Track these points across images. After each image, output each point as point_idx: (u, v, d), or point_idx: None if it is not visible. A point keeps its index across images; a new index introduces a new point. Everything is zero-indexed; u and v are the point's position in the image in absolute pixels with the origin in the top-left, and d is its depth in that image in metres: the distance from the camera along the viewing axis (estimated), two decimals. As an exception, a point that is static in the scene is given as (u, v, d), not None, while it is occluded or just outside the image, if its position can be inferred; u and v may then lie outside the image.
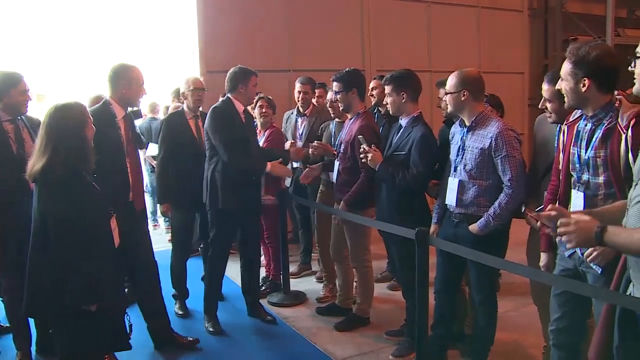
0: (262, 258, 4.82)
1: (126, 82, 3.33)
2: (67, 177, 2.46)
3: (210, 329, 3.96)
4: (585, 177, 2.31)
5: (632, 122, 2.11)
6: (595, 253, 2.21)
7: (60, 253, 2.45)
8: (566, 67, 2.23)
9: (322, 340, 3.82)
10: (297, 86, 4.98)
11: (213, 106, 3.90)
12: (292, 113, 5.14)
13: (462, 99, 2.98)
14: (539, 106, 2.87)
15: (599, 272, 2.23)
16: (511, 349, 3.56)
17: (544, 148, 3.01)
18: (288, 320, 4.17)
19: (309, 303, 4.51)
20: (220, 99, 4.06)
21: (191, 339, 3.77)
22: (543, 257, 2.70)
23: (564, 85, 2.25)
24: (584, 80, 2.16)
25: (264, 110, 4.61)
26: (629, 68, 1.74)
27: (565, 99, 2.28)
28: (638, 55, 1.69)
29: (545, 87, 2.75)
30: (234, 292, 4.37)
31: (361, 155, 3.46)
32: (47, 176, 2.45)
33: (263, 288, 4.69)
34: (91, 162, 2.59)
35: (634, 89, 1.73)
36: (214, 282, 4.10)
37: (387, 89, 3.44)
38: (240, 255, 4.29)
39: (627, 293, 1.90)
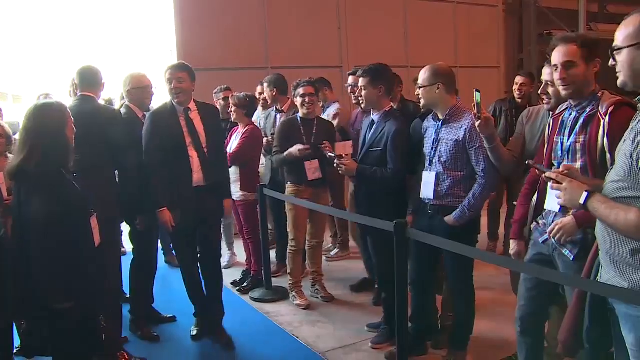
0: (243, 252, 4.93)
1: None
2: (44, 175, 2.45)
3: (192, 333, 3.85)
4: (565, 164, 2.35)
5: (610, 109, 2.19)
6: (557, 227, 2.29)
7: (39, 253, 2.43)
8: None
9: (305, 334, 3.85)
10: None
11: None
12: (272, 110, 5.16)
13: (436, 92, 3.02)
14: (539, 92, 2.83)
15: (571, 259, 2.29)
16: (490, 338, 3.62)
17: (533, 142, 2.98)
18: (270, 316, 4.19)
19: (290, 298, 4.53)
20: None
21: None
22: (512, 245, 2.72)
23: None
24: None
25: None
26: (609, 63, 1.80)
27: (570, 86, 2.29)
28: (616, 48, 1.76)
29: (547, 70, 2.69)
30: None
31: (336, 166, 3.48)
32: (23, 174, 2.43)
33: (245, 284, 4.74)
34: (70, 162, 2.56)
35: (618, 83, 1.80)
36: (186, 286, 3.82)
37: (363, 81, 3.40)
38: None
39: (597, 276, 1.95)
